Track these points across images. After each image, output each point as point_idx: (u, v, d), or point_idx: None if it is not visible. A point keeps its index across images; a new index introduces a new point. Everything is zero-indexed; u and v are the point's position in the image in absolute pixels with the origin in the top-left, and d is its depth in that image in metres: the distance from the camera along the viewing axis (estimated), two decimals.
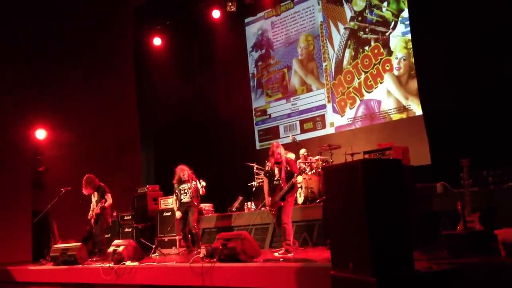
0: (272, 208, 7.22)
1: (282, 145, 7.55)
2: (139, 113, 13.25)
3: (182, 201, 8.72)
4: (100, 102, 12.53)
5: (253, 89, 12.89)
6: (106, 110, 12.57)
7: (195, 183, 8.71)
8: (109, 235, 10.42)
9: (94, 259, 8.90)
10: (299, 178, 7.17)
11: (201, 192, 8.75)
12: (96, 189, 9.14)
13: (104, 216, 9.14)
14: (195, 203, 8.68)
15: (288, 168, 7.11)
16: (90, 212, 9.19)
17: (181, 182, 8.74)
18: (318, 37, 11.49)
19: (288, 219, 7.00)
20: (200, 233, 8.94)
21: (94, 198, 9.17)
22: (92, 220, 9.15)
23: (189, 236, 8.74)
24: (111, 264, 7.90)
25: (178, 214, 8.73)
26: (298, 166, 7.62)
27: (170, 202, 9.90)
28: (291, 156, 8.67)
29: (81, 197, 9.33)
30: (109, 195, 9.13)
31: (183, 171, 8.76)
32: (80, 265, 8.55)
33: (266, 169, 7.48)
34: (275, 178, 7.18)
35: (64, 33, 12.17)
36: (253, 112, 12.81)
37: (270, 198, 7.21)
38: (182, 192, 8.72)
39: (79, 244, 8.99)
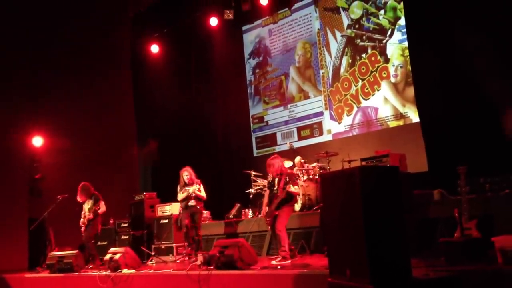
0: (267, 217, 7.23)
1: (280, 152, 7.58)
2: (137, 120, 13.24)
3: (188, 205, 8.67)
4: (98, 109, 12.51)
5: (251, 96, 12.91)
6: (103, 117, 12.56)
7: (198, 186, 8.67)
8: (106, 242, 10.40)
9: (90, 266, 8.88)
10: (297, 188, 7.18)
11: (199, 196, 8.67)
12: (90, 197, 9.16)
13: (95, 224, 9.15)
14: (199, 207, 8.64)
15: (287, 179, 7.11)
16: (82, 219, 9.18)
17: (185, 184, 8.70)
18: (316, 45, 11.52)
19: (281, 226, 6.99)
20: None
21: (87, 206, 9.17)
22: (83, 227, 9.14)
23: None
24: (108, 272, 7.87)
25: (179, 222, 8.75)
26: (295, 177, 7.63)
27: (167, 209, 9.88)
28: (287, 164, 8.72)
29: (77, 204, 9.34)
30: (103, 203, 9.15)
31: (184, 171, 8.73)
32: (77, 273, 8.52)
33: (268, 179, 7.52)
34: (275, 188, 7.22)
35: (62, 40, 12.17)
36: (251, 119, 12.81)
37: (267, 208, 7.23)
38: (188, 195, 8.67)
39: (75, 251, 8.96)
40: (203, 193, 8.73)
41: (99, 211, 9.08)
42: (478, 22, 7.74)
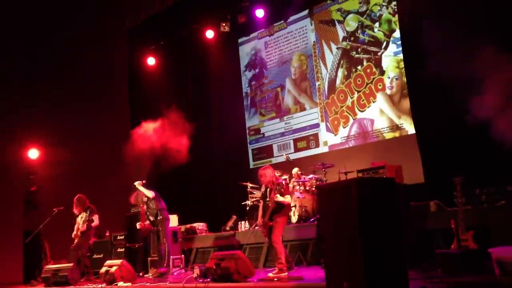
0: (262, 228, 7.21)
1: (276, 164, 7.57)
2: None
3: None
4: (94, 121, 12.52)
5: (247, 108, 12.93)
6: (99, 130, 12.56)
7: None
8: (102, 255, 10.34)
9: (81, 280, 8.81)
10: (288, 197, 7.15)
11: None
12: (85, 210, 9.12)
13: (87, 237, 9.11)
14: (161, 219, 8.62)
15: (278, 188, 7.08)
16: (75, 232, 9.13)
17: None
18: (311, 57, 11.58)
19: (277, 238, 6.94)
20: (167, 251, 8.69)
21: (81, 218, 9.12)
22: (76, 240, 9.08)
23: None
24: (103, 285, 7.81)
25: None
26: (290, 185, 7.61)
27: None
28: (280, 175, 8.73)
29: (73, 217, 9.30)
30: (97, 216, 9.10)
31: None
32: (72, 286, 8.45)
33: (261, 191, 7.52)
34: (267, 199, 7.20)
35: (58, 52, 12.21)
36: (247, 131, 12.82)
37: (262, 219, 7.21)
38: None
39: (71, 264, 8.90)
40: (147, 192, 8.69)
41: (92, 224, 9.05)
42: (470, 34, 7.79)
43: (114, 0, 13.38)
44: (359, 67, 10.58)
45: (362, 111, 10.50)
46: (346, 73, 10.83)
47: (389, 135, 10.08)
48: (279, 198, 6.94)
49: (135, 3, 13.39)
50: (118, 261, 8.32)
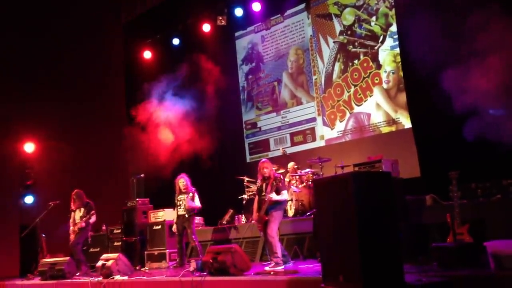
0: (258, 223, 7.20)
1: (273, 158, 7.56)
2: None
3: (178, 213, 8.66)
4: (90, 115, 12.49)
5: (243, 102, 12.92)
6: (96, 124, 12.53)
7: (191, 194, 8.62)
8: (98, 249, 10.34)
9: (77, 274, 8.82)
10: (285, 194, 7.13)
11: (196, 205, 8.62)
12: (83, 205, 9.09)
13: (85, 231, 9.12)
14: (191, 215, 8.55)
15: (274, 183, 7.06)
16: (72, 227, 9.11)
17: (181, 192, 8.69)
18: (308, 51, 11.57)
19: (272, 232, 6.92)
20: (200, 245, 8.76)
21: (78, 213, 9.09)
22: (73, 235, 9.05)
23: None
24: (100, 279, 7.82)
25: (173, 228, 8.70)
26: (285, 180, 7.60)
27: (160, 215, 9.84)
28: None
29: (69, 211, 9.28)
30: (94, 212, 9.07)
31: (178, 179, 8.73)
32: (69, 280, 8.46)
33: (257, 185, 7.50)
34: (263, 194, 7.18)
35: (54, 46, 12.17)
36: (243, 125, 12.81)
37: (258, 214, 7.19)
38: (178, 203, 8.66)
39: (67, 258, 8.91)
40: (197, 202, 8.63)
41: (90, 221, 9.04)
42: (468, 29, 7.79)
43: None
44: (355, 61, 10.58)
45: (358, 105, 10.51)
46: (342, 67, 10.83)
47: (385, 129, 10.09)
48: (274, 197, 6.90)
49: None
50: (115, 255, 8.33)
